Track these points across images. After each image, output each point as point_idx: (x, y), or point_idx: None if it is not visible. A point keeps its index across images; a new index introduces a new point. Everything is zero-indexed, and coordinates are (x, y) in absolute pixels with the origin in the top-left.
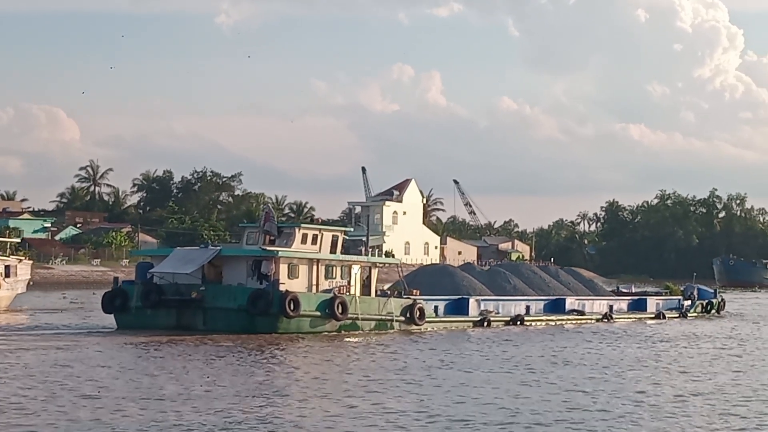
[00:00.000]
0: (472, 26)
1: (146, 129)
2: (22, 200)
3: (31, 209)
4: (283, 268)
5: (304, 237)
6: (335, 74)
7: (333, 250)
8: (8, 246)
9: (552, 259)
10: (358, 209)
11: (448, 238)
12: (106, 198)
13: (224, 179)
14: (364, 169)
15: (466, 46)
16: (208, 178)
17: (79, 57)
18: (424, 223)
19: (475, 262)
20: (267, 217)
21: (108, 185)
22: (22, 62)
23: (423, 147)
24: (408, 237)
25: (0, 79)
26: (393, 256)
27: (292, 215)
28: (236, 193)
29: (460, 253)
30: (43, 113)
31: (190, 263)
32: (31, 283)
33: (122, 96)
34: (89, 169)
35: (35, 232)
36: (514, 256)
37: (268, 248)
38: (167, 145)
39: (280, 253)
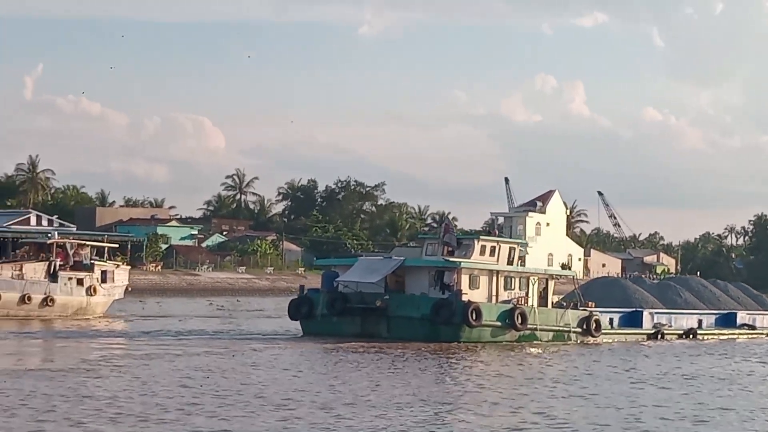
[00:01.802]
0: (615, 36)
1: (289, 138)
2: (170, 207)
3: (178, 216)
4: (465, 279)
5: (483, 248)
6: (477, 84)
7: (510, 262)
8: (106, 251)
9: (698, 272)
10: (500, 220)
11: (592, 250)
12: (251, 206)
13: (367, 189)
14: (507, 179)
15: (609, 56)
16: (352, 187)
17: (222, 66)
18: (567, 234)
19: (619, 275)
20: (447, 228)
21: (253, 193)
22: (169, 72)
23: (565, 158)
24: (551, 248)
25: (148, 88)
26: (569, 268)
27: (434, 225)
28: (379, 203)
29: (604, 265)
30: (190, 122)
31: (375, 273)
32: (130, 289)
33: (265, 105)
34: (235, 177)
35: (182, 239)
36: (659, 269)
37: (451, 259)
38: (310, 155)
39: (462, 264)
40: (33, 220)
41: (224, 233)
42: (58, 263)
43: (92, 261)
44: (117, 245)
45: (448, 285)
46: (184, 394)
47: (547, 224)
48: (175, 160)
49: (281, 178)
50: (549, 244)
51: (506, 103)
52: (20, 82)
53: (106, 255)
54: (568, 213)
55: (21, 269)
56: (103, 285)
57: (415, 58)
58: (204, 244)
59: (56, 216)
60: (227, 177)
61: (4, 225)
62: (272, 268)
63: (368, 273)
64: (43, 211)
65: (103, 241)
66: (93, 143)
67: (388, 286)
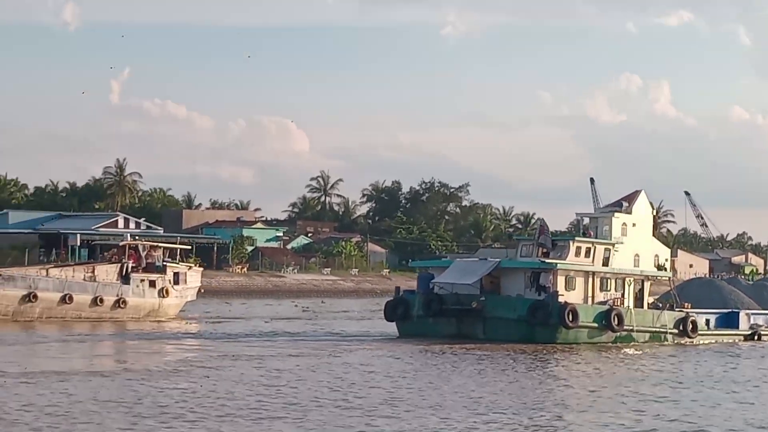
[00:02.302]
0: (701, 35)
1: (373, 140)
2: (256, 210)
3: (264, 219)
4: (561, 280)
5: (578, 250)
6: (561, 85)
7: (605, 263)
8: (178, 252)
9: None
10: (586, 221)
11: (679, 251)
12: (336, 208)
13: (452, 190)
14: (592, 180)
15: (695, 54)
16: (436, 188)
17: (305, 68)
18: (654, 235)
19: (707, 276)
20: (542, 230)
21: (338, 195)
22: (253, 74)
23: (651, 158)
24: (637, 249)
25: (233, 91)
26: (665, 269)
27: (519, 226)
28: (463, 204)
29: (691, 266)
30: (274, 125)
31: (471, 274)
32: (202, 291)
33: (349, 107)
34: (320, 179)
35: (268, 241)
36: (747, 270)
37: (547, 260)
38: (393, 157)
39: (558, 265)
40: (121, 223)
41: (309, 235)
42: (130, 265)
43: (164, 263)
44: (189, 247)
45: (544, 286)
46: (286, 395)
47: (633, 225)
48: (260, 162)
49: (365, 179)
50: (635, 245)
51: (591, 103)
52: (107, 86)
53: (178, 257)
54: (655, 213)
55: (93, 271)
56: (175, 287)
57: (498, 59)
58: (289, 246)
59: (143, 219)
60: (312, 179)
61: (92, 228)
62: (357, 269)
63: (464, 275)
64: (131, 214)
65: (175, 243)
66: (179, 146)
67: (484, 288)
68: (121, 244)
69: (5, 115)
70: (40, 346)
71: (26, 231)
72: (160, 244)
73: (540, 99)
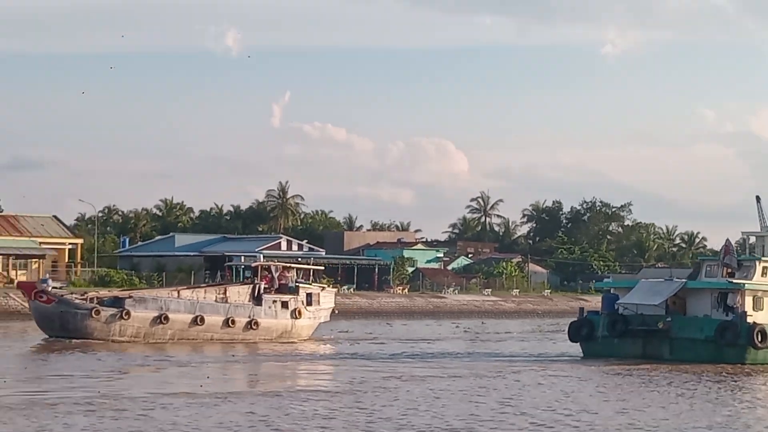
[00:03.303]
0: None
1: (533, 160)
2: (416, 231)
3: (424, 240)
4: (749, 301)
5: (764, 270)
6: (724, 102)
7: None
8: (311, 273)
9: None
10: (752, 239)
11: None
12: (496, 228)
13: (613, 209)
14: (758, 198)
15: None
16: (598, 208)
17: (463, 89)
18: None
19: None
20: (727, 250)
21: (498, 216)
22: (411, 96)
23: None
24: None
25: (391, 113)
26: None
27: (683, 246)
28: (626, 224)
29: None
30: (433, 146)
31: (657, 295)
32: (336, 311)
33: (508, 128)
34: (480, 200)
35: (428, 261)
36: None
37: (734, 281)
38: (554, 176)
39: (746, 285)
40: (283, 245)
41: (470, 256)
42: (262, 286)
43: (297, 284)
44: (323, 268)
45: (731, 307)
46: (474, 414)
47: None
48: (420, 183)
49: (526, 200)
50: None
51: (755, 120)
52: (269, 110)
53: (311, 277)
54: None
55: (225, 293)
56: (308, 308)
57: (660, 76)
58: (450, 267)
59: (306, 240)
60: (472, 200)
61: (256, 250)
62: (518, 290)
63: (650, 295)
64: (293, 236)
65: (309, 263)
66: (339, 168)
67: (669, 308)
68: (253, 265)
69: (172, 139)
70: (200, 367)
71: (192, 254)
72: (293, 265)
73: (703, 116)
